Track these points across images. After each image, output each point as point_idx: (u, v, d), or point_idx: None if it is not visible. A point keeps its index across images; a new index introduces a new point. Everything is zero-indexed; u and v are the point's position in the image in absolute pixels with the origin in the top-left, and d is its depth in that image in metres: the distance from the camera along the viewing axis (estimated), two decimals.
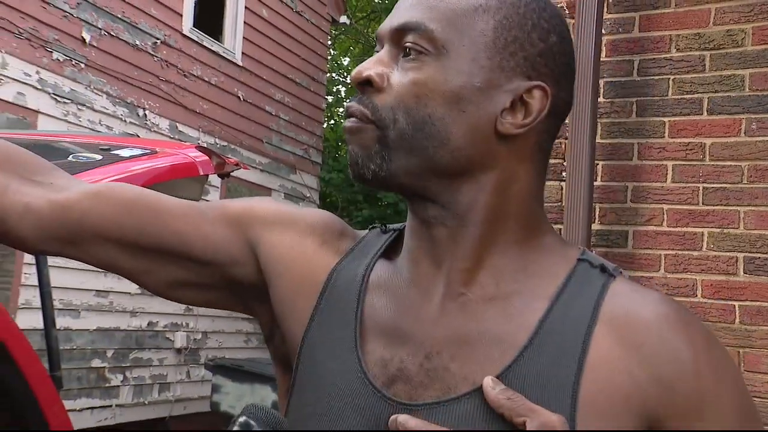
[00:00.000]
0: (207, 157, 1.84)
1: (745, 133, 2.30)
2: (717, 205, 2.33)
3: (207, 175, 1.88)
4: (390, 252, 0.74)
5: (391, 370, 0.67)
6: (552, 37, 0.68)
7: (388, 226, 0.77)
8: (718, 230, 2.32)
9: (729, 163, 2.32)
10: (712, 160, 2.34)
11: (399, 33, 0.68)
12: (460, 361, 0.65)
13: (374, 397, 0.66)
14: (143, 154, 1.73)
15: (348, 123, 0.69)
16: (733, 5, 2.32)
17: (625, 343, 0.63)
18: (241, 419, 0.82)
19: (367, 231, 0.77)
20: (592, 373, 0.62)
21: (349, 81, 0.77)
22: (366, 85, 0.68)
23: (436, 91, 0.66)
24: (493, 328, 0.66)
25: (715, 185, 2.34)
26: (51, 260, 5.36)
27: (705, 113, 2.35)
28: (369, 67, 0.68)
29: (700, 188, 2.36)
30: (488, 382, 0.62)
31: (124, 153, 1.70)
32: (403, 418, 0.61)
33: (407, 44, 0.67)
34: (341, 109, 14.86)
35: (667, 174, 2.40)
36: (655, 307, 0.65)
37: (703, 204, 2.35)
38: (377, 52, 0.71)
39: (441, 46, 0.66)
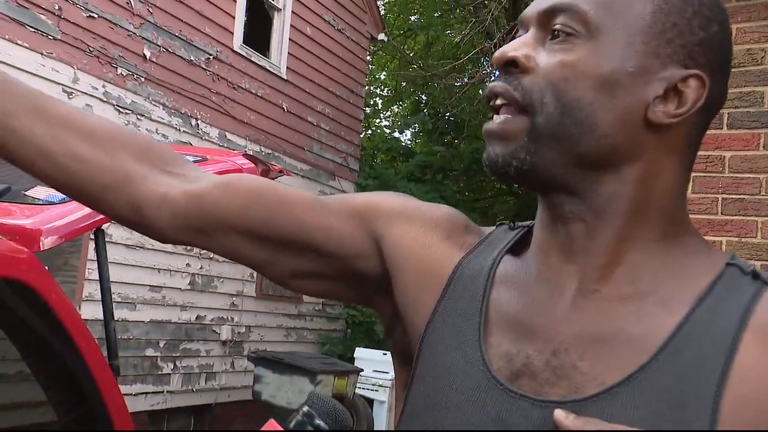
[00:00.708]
0: (253, 165, 1.86)
1: (763, 146, 2.25)
2: (735, 215, 2.28)
3: None
4: (517, 248, 0.68)
5: (516, 365, 0.61)
6: (713, 26, 0.61)
7: (516, 222, 0.71)
8: (737, 239, 2.27)
9: (747, 175, 2.27)
10: (731, 172, 2.30)
11: (548, 15, 0.62)
12: (590, 360, 0.59)
13: (497, 390, 0.60)
14: (195, 161, 1.75)
15: (491, 126, 0.62)
16: (753, 26, 2.27)
17: None
18: (304, 409, 0.79)
19: (493, 227, 0.71)
20: (737, 385, 0.55)
21: (492, 62, 0.74)
22: (510, 65, 0.61)
23: (586, 74, 0.59)
24: (627, 328, 0.59)
25: (733, 196, 2.29)
26: (111, 257, 5.48)
27: (725, 127, 2.30)
28: (514, 48, 0.62)
29: (720, 199, 2.31)
30: (559, 414, 0.55)
31: None
32: (559, 414, 0.55)
33: (557, 26, 0.61)
34: (378, 120, 14.90)
35: (688, 185, 2.36)
36: None
37: (722, 214, 2.30)
38: (519, 36, 0.64)
39: (594, 28, 0.59)
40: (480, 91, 12.47)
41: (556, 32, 0.61)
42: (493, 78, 0.64)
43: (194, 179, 0.72)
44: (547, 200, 0.64)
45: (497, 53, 0.62)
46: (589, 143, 0.60)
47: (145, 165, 0.70)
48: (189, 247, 6.24)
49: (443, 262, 0.68)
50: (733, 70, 2.47)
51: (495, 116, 0.63)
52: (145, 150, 0.71)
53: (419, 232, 0.69)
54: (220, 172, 1.78)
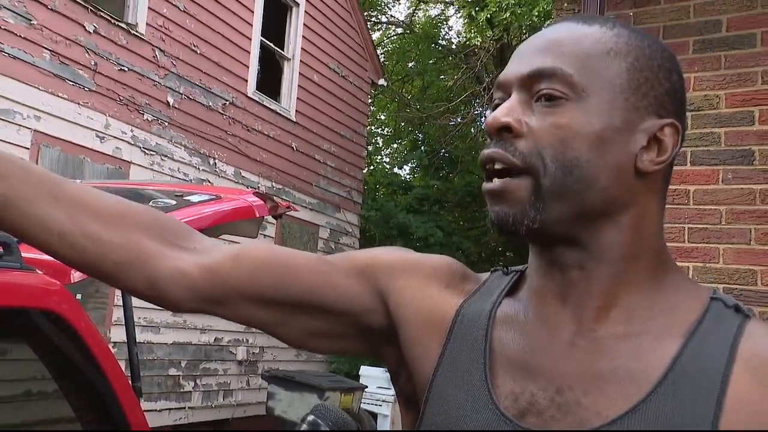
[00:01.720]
0: (262, 202, 1.87)
1: (722, 181, 2.28)
2: (700, 242, 2.30)
3: (263, 216, 1.92)
4: (514, 291, 0.66)
5: (522, 404, 0.59)
6: (674, 76, 0.61)
7: (510, 268, 0.69)
8: (701, 264, 2.28)
9: (709, 207, 2.29)
10: (696, 204, 2.32)
11: (531, 79, 0.59)
12: (593, 397, 0.57)
13: (507, 426, 0.58)
14: (209, 200, 1.78)
15: (493, 186, 0.60)
16: (709, 75, 2.31)
17: (766, 383, 0.54)
18: (310, 418, 0.75)
19: (489, 273, 0.70)
20: (731, 414, 0.53)
21: (484, 128, 0.64)
22: (504, 131, 0.59)
23: (580, 134, 0.57)
24: (626, 365, 0.57)
25: (698, 226, 2.30)
26: None
27: (689, 164, 2.33)
28: (504, 114, 0.59)
29: (686, 228, 2.33)
30: None
31: (194, 198, 1.75)
32: None
33: (543, 90, 0.59)
34: (379, 157, 14.98)
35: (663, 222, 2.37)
36: None
37: (688, 242, 2.32)
38: (498, 99, 0.62)
39: (581, 90, 0.58)
40: (472, 130, 12.55)
41: (542, 96, 0.59)
42: (488, 144, 0.61)
43: (206, 251, 0.70)
44: (546, 251, 0.61)
45: (489, 120, 0.60)
46: (592, 197, 0.58)
47: (158, 241, 0.68)
48: None
49: (444, 309, 0.66)
50: (693, 113, 2.54)
51: (494, 179, 0.60)
52: (157, 226, 0.70)
53: (420, 284, 0.67)
54: (233, 210, 1.80)
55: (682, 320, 0.58)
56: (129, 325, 1.62)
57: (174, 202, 1.70)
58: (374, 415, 6.66)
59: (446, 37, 14.66)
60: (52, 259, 1.59)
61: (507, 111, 0.59)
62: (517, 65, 0.61)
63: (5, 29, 4.70)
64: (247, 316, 0.69)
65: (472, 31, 10.81)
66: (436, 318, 0.66)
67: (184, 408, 6.03)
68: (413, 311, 0.66)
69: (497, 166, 0.59)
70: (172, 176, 5.89)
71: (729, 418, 0.53)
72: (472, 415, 0.59)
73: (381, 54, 12.66)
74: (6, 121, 4.71)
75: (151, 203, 1.69)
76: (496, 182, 0.59)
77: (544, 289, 0.62)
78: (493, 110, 0.62)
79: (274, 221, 6.67)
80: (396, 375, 0.69)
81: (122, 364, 1.62)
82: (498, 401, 0.59)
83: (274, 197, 2.06)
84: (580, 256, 0.60)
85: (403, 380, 0.68)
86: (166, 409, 5.81)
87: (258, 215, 1.83)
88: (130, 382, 1.53)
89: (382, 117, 14.99)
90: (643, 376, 0.56)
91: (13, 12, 4.75)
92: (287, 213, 2.22)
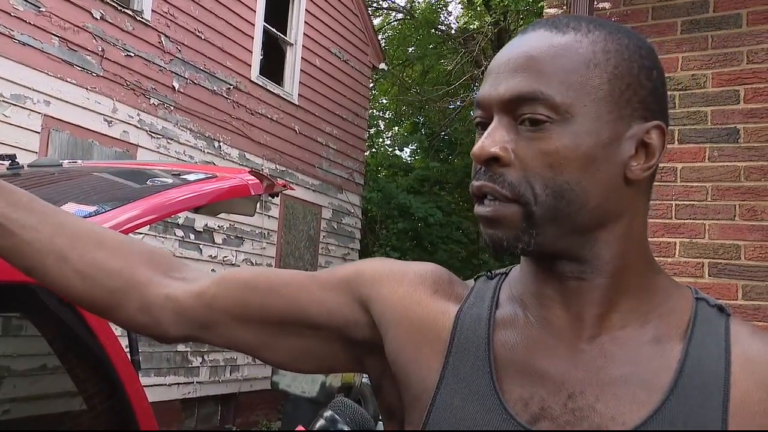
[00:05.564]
0: (258, 180, 1.86)
1: (708, 159, 2.25)
2: (686, 219, 2.28)
3: (259, 195, 1.90)
4: (505, 294, 0.63)
5: (533, 409, 0.56)
6: (654, 73, 0.58)
7: (493, 271, 0.66)
8: (688, 240, 2.27)
9: (696, 184, 2.27)
10: (683, 181, 2.30)
11: (512, 103, 0.55)
12: (605, 402, 0.55)
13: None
14: (206, 178, 1.76)
15: (485, 211, 0.57)
16: (696, 55, 2.27)
17: (763, 385, 0.54)
18: (328, 414, 0.72)
19: (473, 281, 0.66)
20: (736, 416, 0.53)
21: (471, 157, 0.58)
22: (491, 161, 0.56)
23: (569, 158, 0.54)
24: (635, 371, 0.56)
25: (684, 202, 2.29)
26: None
27: (676, 142, 2.30)
28: (490, 144, 0.55)
29: (673, 205, 2.31)
30: None
31: (191, 177, 1.73)
32: None
33: (526, 114, 0.55)
34: (381, 139, 14.93)
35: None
36: None
37: (675, 218, 2.30)
38: (479, 117, 0.58)
39: (564, 111, 0.54)
40: (471, 113, 12.47)
41: (526, 119, 0.55)
42: (476, 173, 0.58)
43: (193, 280, 0.69)
44: (543, 262, 0.59)
45: (477, 150, 0.56)
46: (585, 215, 0.56)
47: (151, 269, 0.68)
48: (216, 255, 6.25)
49: (437, 315, 0.63)
50: (681, 92, 2.49)
51: (485, 200, 0.57)
52: (150, 256, 0.69)
53: (406, 290, 0.64)
54: (229, 188, 1.79)
55: (678, 322, 0.58)
56: None
57: (170, 181, 1.68)
58: None
59: (445, 22, 14.51)
60: None
61: (492, 141, 0.56)
62: (495, 85, 0.57)
63: (15, 16, 4.66)
64: (234, 339, 0.67)
65: (470, 14, 10.68)
66: (427, 323, 0.62)
67: (193, 383, 6.07)
68: (400, 316, 0.63)
69: (488, 198, 0.57)
70: (178, 159, 5.87)
71: (735, 421, 0.53)
72: (483, 424, 0.57)
73: (382, 39, 12.55)
74: (17, 105, 4.69)
75: (149, 181, 1.68)
76: (488, 206, 0.57)
77: (543, 295, 0.59)
78: (476, 127, 0.59)
79: (277, 202, 6.66)
80: (380, 385, 0.66)
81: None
82: (508, 407, 0.57)
83: (270, 176, 2.04)
84: (578, 268, 0.58)
85: (386, 389, 0.65)
86: (175, 383, 5.86)
87: (253, 193, 1.81)
88: (129, 356, 1.53)
89: (384, 101, 14.91)
90: (653, 382, 0.55)
91: None
92: (287, 193, 2.20)
